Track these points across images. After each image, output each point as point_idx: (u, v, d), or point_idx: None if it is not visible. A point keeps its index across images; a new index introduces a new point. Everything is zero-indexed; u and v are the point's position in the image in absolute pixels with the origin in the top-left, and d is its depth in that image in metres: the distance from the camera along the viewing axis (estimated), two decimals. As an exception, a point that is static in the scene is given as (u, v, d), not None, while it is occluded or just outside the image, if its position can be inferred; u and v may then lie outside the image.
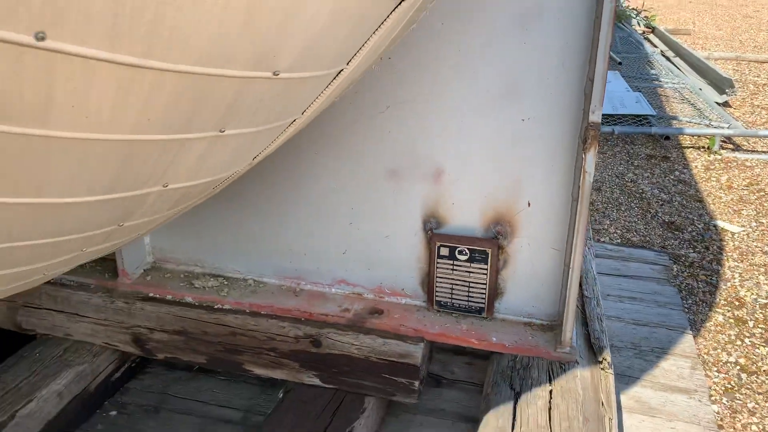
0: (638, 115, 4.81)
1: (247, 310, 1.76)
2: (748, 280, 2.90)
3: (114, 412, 1.84)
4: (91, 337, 1.85)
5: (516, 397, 1.46)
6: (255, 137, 1.01)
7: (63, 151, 0.72)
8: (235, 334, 1.73)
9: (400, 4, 0.97)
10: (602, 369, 1.61)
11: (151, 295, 1.83)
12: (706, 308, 2.69)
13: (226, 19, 0.69)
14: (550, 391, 1.47)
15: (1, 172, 0.70)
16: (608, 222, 3.51)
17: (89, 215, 0.87)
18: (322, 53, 0.91)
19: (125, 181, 0.85)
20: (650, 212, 3.61)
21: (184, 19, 0.66)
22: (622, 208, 3.67)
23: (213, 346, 1.76)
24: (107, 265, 1.92)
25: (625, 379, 2.03)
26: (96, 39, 0.60)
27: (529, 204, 1.58)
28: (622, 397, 1.94)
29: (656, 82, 5.85)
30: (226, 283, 1.87)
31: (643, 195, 3.84)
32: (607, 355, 1.62)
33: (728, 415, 2.11)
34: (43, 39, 0.57)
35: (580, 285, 1.86)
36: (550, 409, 1.41)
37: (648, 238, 3.30)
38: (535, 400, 1.45)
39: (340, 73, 1.04)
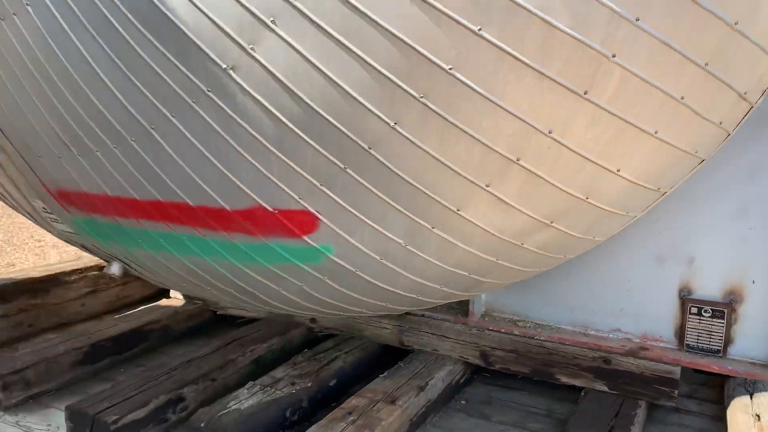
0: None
1: (556, 341, 2.82)
2: None
3: (463, 401, 2.91)
4: (451, 352, 2.98)
5: (750, 394, 2.36)
6: (629, 221, 2.14)
7: (600, 215, 1.87)
8: (550, 354, 2.78)
9: (703, 161, 2.09)
10: (808, 395, 2.45)
11: (491, 328, 2.95)
12: None
13: (659, 170, 1.85)
14: (774, 394, 2.36)
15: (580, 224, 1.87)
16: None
17: (568, 243, 2.03)
18: (671, 183, 2.05)
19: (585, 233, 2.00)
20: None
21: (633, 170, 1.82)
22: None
23: (535, 361, 2.81)
24: (458, 308, 3.08)
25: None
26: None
27: (753, 282, 2.56)
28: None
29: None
30: (537, 325, 2.95)
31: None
32: (811, 384, 2.46)
33: None
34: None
35: (787, 346, 2.72)
36: (776, 401, 2.30)
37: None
38: (764, 393, 2.34)
39: (665, 193, 2.16)
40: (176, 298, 3.88)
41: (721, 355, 2.62)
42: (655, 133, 1.69)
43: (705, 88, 1.68)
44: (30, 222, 7.15)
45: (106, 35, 1.35)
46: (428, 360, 2.95)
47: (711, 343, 2.63)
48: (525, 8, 1.32)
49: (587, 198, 1.79)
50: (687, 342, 2.67)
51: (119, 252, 2.00)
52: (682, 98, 1.65)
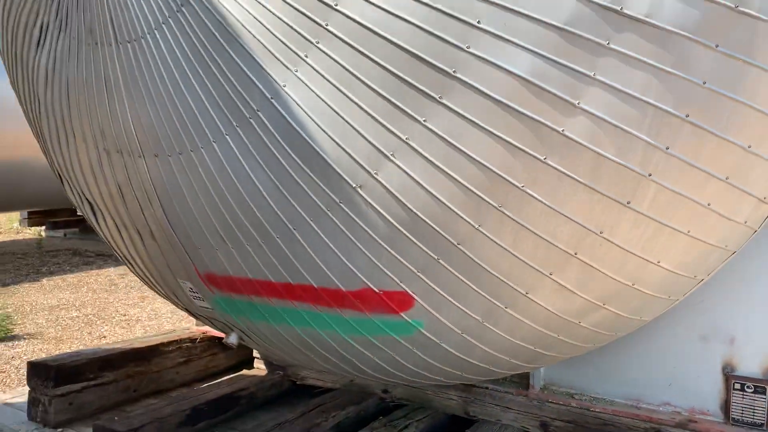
0: None
1: (611, 413, 3.10)
2: None
3: (525, 468, 3.19)
4: (513, 422, 3.28)
5: (794, 465, 2.60)
6: (671, 303, 2.48)
7: (645, 298, 2.24)
8: (605, 424, 3.06)
9: (734, 252, 2.45)
10: None
11: (550, 400, 3.25)
12: None
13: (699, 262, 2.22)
14: (815, 466, 2.59)
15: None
16: None
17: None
18: (706, 271, 2.40)
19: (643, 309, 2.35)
20: None
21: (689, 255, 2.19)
22: None
23: (591, 431, 3.09)
24: (519, 382, 3.40)
25: None
26: (665, 262, 2.16)
27: (790, 360, 2.82)
28: None
29: None
30: (593, 399, 3.24)
31: None
32: None
33: None
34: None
35: (829, 422, 2.93)
36: (816, 471, 2.53)
37: None
38: (806, 466, 2.57)
39: (702, 280, 2.51)
40: (258, 368, 4.29)
41: (765, 428, 2.86)
42: (688, 232, 2.08)
43: (728, 196, 2.07)
44: (114, 298, 7.71)
45: (271, 164, 1.85)
46: (492, 429, 3.26)
47: (755, 417, 2.88)
48: (580, 143, 1.76)
49: (633, 284, 2.17)
50: (732, 416, 2.92)
51: (245, 324, 2.44)
52: (709, 204, 2.04)
